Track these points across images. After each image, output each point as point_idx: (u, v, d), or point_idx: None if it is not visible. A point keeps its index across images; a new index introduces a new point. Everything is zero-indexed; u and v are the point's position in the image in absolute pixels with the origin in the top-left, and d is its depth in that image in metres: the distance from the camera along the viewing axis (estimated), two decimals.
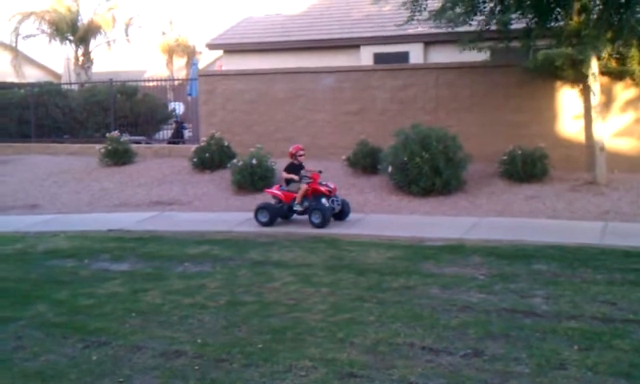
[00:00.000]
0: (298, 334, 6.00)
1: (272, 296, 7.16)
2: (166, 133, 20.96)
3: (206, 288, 7.54)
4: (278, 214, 11.11)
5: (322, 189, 10.82)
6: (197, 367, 5.41)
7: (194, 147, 15.82)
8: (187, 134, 20.73)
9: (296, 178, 11.08)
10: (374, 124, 15.14)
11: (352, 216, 11.45)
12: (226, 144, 15.37)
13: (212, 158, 15.13)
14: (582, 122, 13.36)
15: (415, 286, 7.31)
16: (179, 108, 22.75)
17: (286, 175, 11.27)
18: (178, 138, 19.94)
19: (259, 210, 11.09)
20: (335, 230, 10.46)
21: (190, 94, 20.91)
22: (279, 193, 11.22)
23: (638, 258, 8.15)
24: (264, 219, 10.96)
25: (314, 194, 10.86)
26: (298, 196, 10.92)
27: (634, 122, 13.32)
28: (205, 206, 13.00)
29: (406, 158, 12.27)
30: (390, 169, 12.69)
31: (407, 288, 7.24)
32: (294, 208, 11.09)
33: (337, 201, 10.89)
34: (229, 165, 14.24)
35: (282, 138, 15.89)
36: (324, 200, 10.76)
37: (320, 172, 11.25)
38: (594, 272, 7.56)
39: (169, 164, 16.24)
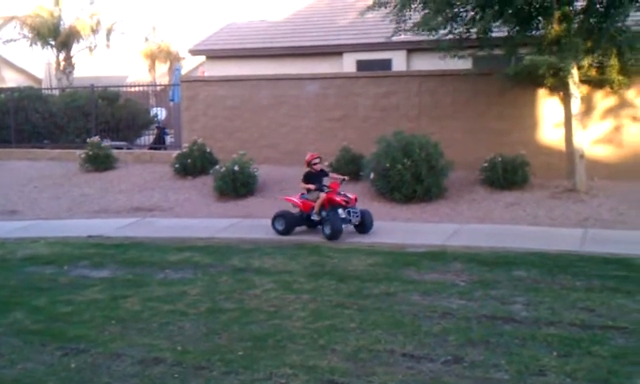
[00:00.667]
0: (278, 341, 5.98)
1: (253, 303, 7.14)
2: (148, 138, 20.84)
3: (187, 295, 7.50)
4: (295, 222, 10.70)
5: (337, 199, 10.28)
6: (176, 375, 5.38)
7: (175, 153, 15.74)
8: (169, 139, 20.64)
9: (312, 187, 10.59)
10: (356, 131, 15.18)
11: None
12: (208, 150, 15.32)
13: (194, 164, 15.06)
14: (562, 130, 13.50)
15: (396, 292, 7.32)
16: (161, 114, 22.63)
17: (303, 185, 10.78)
18: (159, 143, 19.84)
19: (276, 217, 10.71)
20: (315, 236, 10.44)
21: (172, 100, 20.83)
22: (297, 201, 10.78)
23: (617, 264, 8.23)
24: (280, 227, 10.60)
25: (331, 205, 10.36)
26: (316, 206, 10.46)
27: (614, 129, 13.47)
28: (186, 213, 12.94)
29: (388, 165, 12.31)
30: (372, 175, 12.72)
31: (388, 295, 7.25)
32: (312, 217, 10.64)
33: (354, 212, 10.35)
34: (211, 171, 14.17)
35: (266, 144, 15.90)
36: (340, 211, 10.28)
37: (343, 180, 10.80)
38: (574, 279, 7.61)
39: (150, 170, 16.16)
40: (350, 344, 5.83)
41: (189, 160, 15.08)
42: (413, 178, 12.19)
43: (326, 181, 10.76)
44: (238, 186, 13.42)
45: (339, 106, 15.58)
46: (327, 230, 10.15)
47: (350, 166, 13.94)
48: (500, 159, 12.83)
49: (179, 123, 17.99)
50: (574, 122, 12.56)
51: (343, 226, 10.22)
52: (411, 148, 12.29)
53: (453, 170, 12.79)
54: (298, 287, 7.65)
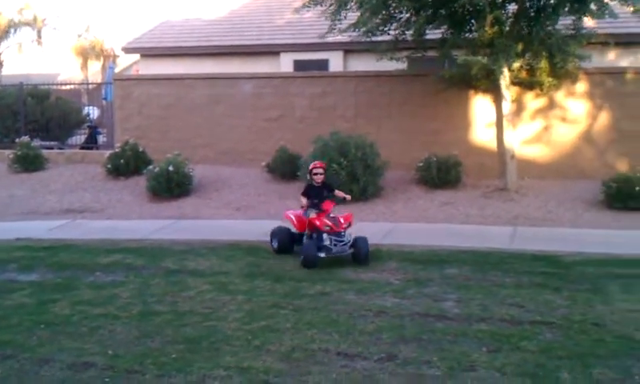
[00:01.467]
0: (212, 343, 5.91)
1: (187, 305, 7.03)
2: (80, 138, 20.33)
3: (118, 298, 7.34)
4: (290, 241, 9.17)
5: (317, 223, 8.59)
6: (107, 379, 5.25)
7: (108, 153, 15.41)
8: (102, 139, 20.19)
9: (304, 202, 8.94)
10: (293, 131, 15.17)
11: (269, 223, 11.36)
12: (141, 150, 15.03)
13: (127, 164, 14.76)
14: (493, 131, 13.81)
15: (331, 292, 7.33)
16: (93, 112, 22.13)
17: (300, 199, 9.15)
18: (91, 143, 19.36)
19: (272, 234, 9.44)
20: (251, 237, 10.37)
21: (105, 99, 20.39)
22: (293, 218, 9.25)
23: (545, 261, 8.49)
24: (275, 245, 9.32)
25: (316, 229, 8.71)
26: (307, 226, 8.96)
27: (543, 130, 13.88)
28: (119, 214, 12.67)
29: None
30: (308, 175, 12.72)
31: (323, 294, 7.26)
32: (304, 239, 9.04)
33: (340, 240, 8.54)
34: (144, 171, 13.93)
35: (202, 143, 15.74)
36: (325, 236, 8.55)
37: (344, 200, 9.22)
38: (504, 275, 7.81)
39: (82, 170, 15.77)
40: (284, 344, 5.81)
41: (121, 160, 14.78)
42: (349, 177, 12.27)
43: (333, 195, 9.19)
44: (172, 186, 13.22)
45: (276, 105, 15.55)
46: (301, 257, 8.57)
47: (287, 166, 13.95)
48: (434, 159, 13.06)
49: (112, 122, 17.63)
50: (505, 123, 12.87)
51: (325, 255, 8.49)
52: (347, 148, 12.38)
53: (389, 170, 12.95)
54: (233, 288, 7.59)
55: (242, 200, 13.13)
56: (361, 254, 8.51)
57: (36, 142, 16.88)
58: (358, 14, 12.86)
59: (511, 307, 6.64)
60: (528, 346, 5.63)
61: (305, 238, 8.93)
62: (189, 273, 8.32)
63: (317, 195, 8.99)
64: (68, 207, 13.23)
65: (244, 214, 12.35)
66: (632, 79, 13.66)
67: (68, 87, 22.18)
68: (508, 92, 12.74)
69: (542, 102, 13.88)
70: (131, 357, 5.65)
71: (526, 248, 9.19)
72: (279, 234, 9.32)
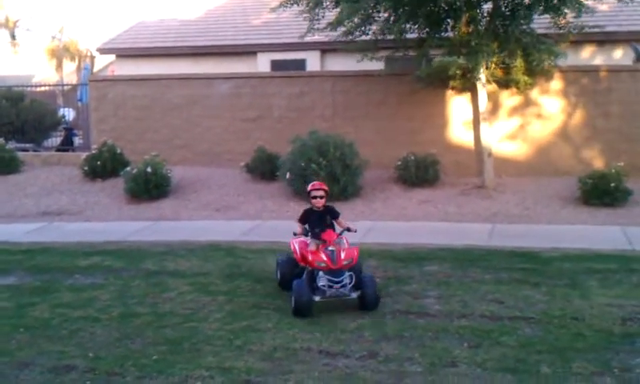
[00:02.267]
0: (194, 343, 5.90)
1: (167, 306, 7.00)
2: (56, 140, 20.12)
3: (98, 300, 7.28)
4: (290, 275, 7.21)
5: (310, 259, 6.82)
6: (88, 382, 5.23)
7: (84, 155, 15.25)
8: (77, 141, 19.99)
9: (298, 229, 7.19)
10: (271, 131, 15.13)
11: (249, 224, 11.36)
12: (118, 151, 14.89)
13: (104, 166, 14.62)
14: (471, 129, 13.91)
15: None
16: (69, 114, 21.90)
17: (296, 225, 7.33)
18: (67, 145, 19.19)
19: (277, 263, 7.73)
20: (230, 237, 10.33)
21: (80, 100, 20.19)
22: (296, 247, 7.30)
23: (524, 257, 8.57)
24: (278, 277, 7.63)
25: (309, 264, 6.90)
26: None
27: (519, 128, 13.99)
28: (96, 216, 12.56)
29: (303, 165, 12.35)
30: (288, 175, 12.73)
31: None
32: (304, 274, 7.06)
33: (337, 281, 6.61)
34: (121, 173, 13.80)
35: (179, 144, 15.65)
36: (321, 274, 6.68)
37: (348, 230, 7.20)
38: (483, 272, 7.88)
39: (58, 172, 15.58)
40: (266, 344, 5.82)
41: (98, 162, 14.63)
42: (328, 177, 12.26)
43: (339, 226, 7.27)
44: (150, 187, 13.12)
45: (254, 106, 15.50)
46: (292, 302, 6.73)
47: (266, 166, 13.92)
48: (412, 158, 13.12)
49: (88, 124, 17.46)
50: (482, 121, 12.97)
51: (320, 298, 6.63)
52: (326, 147, 12.39)
53: (368, 169, 12.98)
54: (214, 289, 7.57)
55: (221, 200, 13.08)
56: (367, 298, 6.66)
57: (11, 145, 16.65)
58: (336, 13, 12.89)
59: (491, 303, 6.71)
60: (508, 341, 5.69)
61: (305, 273, 6.99)
62: (169, 274, 8.29)
63: (318, 222, 7.18)
64: (45, 210, 13.09)
65: (223, 214, 12.31)
66: (606, 77, 13.83)
67: (43, 89, 21.90)
68: (484, 90, 12.84)
69: (518, 99, 13.98)
70: (112, 359, 5.62)
71: (504, 245, 9.27)
72: (282, 264, 7.56)
